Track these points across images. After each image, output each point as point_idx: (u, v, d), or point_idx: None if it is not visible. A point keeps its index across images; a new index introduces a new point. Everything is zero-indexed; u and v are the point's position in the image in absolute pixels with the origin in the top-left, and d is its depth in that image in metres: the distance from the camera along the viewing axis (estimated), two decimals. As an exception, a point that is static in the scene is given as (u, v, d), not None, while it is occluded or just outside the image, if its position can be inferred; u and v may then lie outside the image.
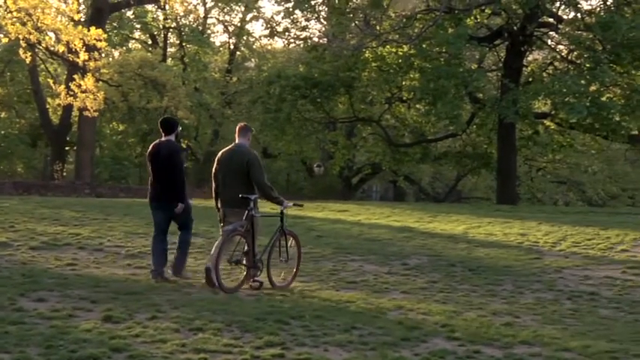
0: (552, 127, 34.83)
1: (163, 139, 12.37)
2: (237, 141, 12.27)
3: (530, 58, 36.18)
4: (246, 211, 11.77)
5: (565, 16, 32.94)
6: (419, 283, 12.82)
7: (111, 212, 20.04)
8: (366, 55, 33.48)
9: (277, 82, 34.93)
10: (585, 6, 34.30)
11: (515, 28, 31.84)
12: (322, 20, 43.06)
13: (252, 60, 54.62)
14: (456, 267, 14.28)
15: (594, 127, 31.52)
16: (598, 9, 32.00)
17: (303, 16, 42.03)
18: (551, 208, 32.40)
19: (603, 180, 48.04)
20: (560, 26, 31.75)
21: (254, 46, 54.16)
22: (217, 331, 8.92)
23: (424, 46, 30.72)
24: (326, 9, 39.70)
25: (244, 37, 53.35)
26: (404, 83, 34.11)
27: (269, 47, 54.44)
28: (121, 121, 49.04)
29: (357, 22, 35.94)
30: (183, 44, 51.63)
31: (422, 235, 18.20)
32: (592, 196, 48.04)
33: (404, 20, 32.31)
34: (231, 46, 54.78)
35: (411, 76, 32.86)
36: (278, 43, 55.21)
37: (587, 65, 29.90)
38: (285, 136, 36.62)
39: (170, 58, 52.89)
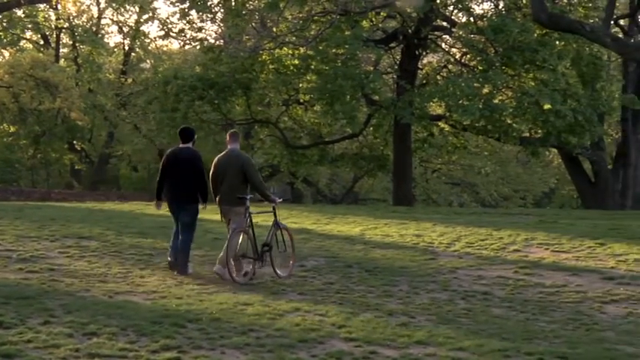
0: (447, 129, 35.32)
1: (182, 145, 13.96)
2: (229, 146, 13.78)
3: (425, 60, 36.64)
4: (245, 210, 13.30)
5: (458, 20, 33.47)
6: (316, 285, 12.87)
7: (1, 215, 19.57)
8: (263, 57, 33.42)
9: (174, 82, 34.59)
10: (478, 10, 34.82)
11: (410, 31, 32.20)
12: (218, 22, 42.82)
13: (148, 61, 53.97)
14: (353, 268, 14.37)
15: (487, 128, 32.07)
16: (490, 13, 32.61)
17: (199, 18, 41.72)
18: (446, 209, 32.87)
19: (496, 181, 48.93)
20: (453, 30, 32.23)
21: (149, 47, 53.53)
22: (112, 335, 8.81)
23: (320, 48, 30.81)
24: (222, 10, 39.49)
25: (139, 38, 52.68)
26: (301, 85, 34.16)
27: (165, 48, 53.90)
28: (12, 123, 47.88)
29: (253, 23, 35.86)
30: (77, 45, 50.72)
31: (319, 236, 18.25)
32: (485, 197, 48.91)
33: (300, 22, 32.38)
34: (126, 47, 54.05)
35: (308, 78, 32.93)
36: (174, 45, 54.74)
37: (480, 68, 30.44)
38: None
39: (63, 59, 51.91)
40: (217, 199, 13.62)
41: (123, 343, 8.56)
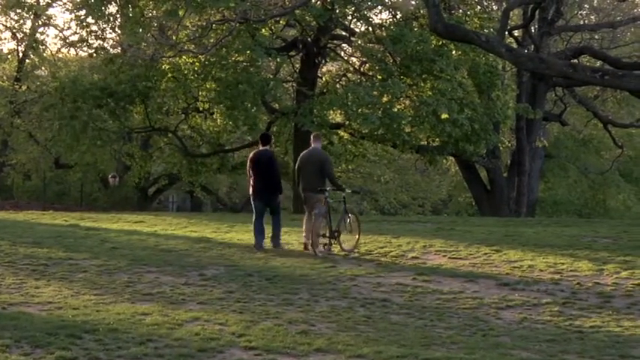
0: (346, 137, 35.51)
1: (261, 148, 17.59)
2: (313, 145, 17.74)
3: (324, 69, 36.80)
4: (325, 199, 17.26)
5: (357, 29, 33.73)
6: (216, 294, 12.79)
7: None
8: (163, 65, 33.09)
9: (71, 87, 34.01)
10: (376, 20, 35.12)
11: (309, 39, 32.32)
12: (117, 29, 42.21)
13: (43, 68, 52.87)
14: (253, 277, 14.33)
15: (385, 137, 32.32)
16: (388, 23, 32.92)
17: (96, 25, 41.09)
18: (346, 217, 32.94)
19: (395, 189, 49.42)
20: (352, 39, 32.46)
21: (45, 54, 52.44)
22: (5, 347, 8.62)
23: (221, 53, 30.63)
24: (120, 18, 38.97)
25: (34, 45, 51.53)
26: (201, 93, 33.94)
27: (61, 55, 52.87)
28: None
29: (152, 31, 35.49)
30: (-32, 51, 49.44)
31: (219, 245, 18.17)
32: (384, 204, 49.33)
33: (199, 30, 32.15)
34: (20, 54, 52.85)
35: (207, 86, 32.71)
36: (71, 51, 53.74)
37: (379, 77, 30.71)
38: (80, 146, 35.73)
39: (-46, 66, 50.56)
40: (300, 188, 17.53)
41: (17, 355, 8.38)
